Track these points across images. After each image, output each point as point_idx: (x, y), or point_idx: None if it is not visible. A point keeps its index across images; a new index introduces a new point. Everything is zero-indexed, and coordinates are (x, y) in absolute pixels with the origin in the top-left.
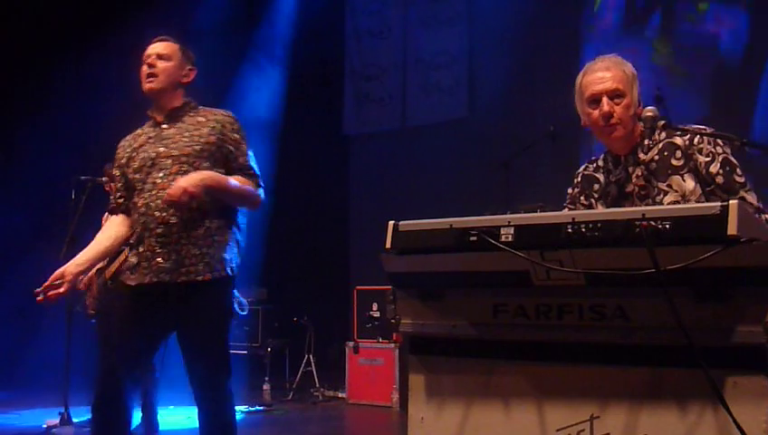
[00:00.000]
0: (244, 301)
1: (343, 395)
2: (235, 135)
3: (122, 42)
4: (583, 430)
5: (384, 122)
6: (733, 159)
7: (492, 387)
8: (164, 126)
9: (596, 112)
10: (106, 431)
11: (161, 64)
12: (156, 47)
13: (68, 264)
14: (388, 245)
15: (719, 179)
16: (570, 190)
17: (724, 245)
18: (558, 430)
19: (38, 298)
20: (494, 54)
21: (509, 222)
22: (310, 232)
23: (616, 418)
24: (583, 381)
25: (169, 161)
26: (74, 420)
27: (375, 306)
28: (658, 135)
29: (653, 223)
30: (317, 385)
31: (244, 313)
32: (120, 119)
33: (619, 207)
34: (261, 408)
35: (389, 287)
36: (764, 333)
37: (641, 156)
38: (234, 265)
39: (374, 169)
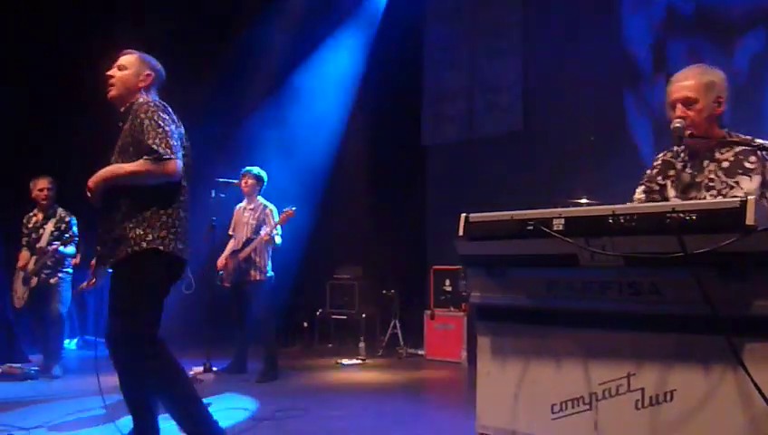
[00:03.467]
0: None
1: (422, 352)
2: (137, 121)
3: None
4: (621, 385)
5: (454, 135)
6: None
7: (545, 348)
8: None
9: (674, 114)
10: None
11: (118, 75)
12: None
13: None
14: (460, 232)
15: None
16: (648, 171)
17: (742, 233)
18: (600, 384)
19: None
20: (544, 77)
21: (560, 214)
22: (396, 222)
23: (649, 375)
24: (621, 344)
25: (113, 157)
26: (214, 368)
27: (447, 282)
28: (737, 139)
29: (681, 215)
30: (401, 344)
31: (189, 291)
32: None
33: (688, 192)
34: (357, 361)
35: (460, 267)
36: None
37: (717, 154)
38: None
39: (446, 172)
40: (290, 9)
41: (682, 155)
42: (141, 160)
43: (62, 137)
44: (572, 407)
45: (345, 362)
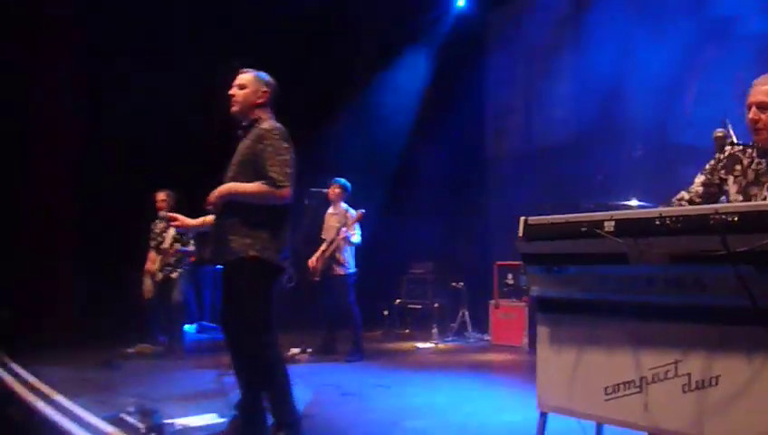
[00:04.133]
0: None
1: (488, 338)
2: (260, 146)
3: None
4: (669, 370)
5: (513, 147)
6: None
7: (598, 337)
8: (241, 139)
9: (748, 116)
10: None
11: (239, 93)
12: (237, 79)
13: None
14: (520, 234)
15: None
16: (712, 162)
17: None
18: (649, 369)
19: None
20: (593, 95)
21: (611, 217)
22: (463, 223)
23: (695, 362)
24: (668, 334)
25: (230, 171)
26: (308, 350)
27: (510, 276)
28: None
29: (724, 216)
30: (470, 330)
31: (291, 284)
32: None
33: (750, 189)
34: (431, 345)
35: (521, 263)
36: None
37: None
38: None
39: (507, 179)
40: (368, 37)
41: (750, 151)
42: (259, 183)
43: (185, 152)
44: (624, 389)
45: (420, 345)
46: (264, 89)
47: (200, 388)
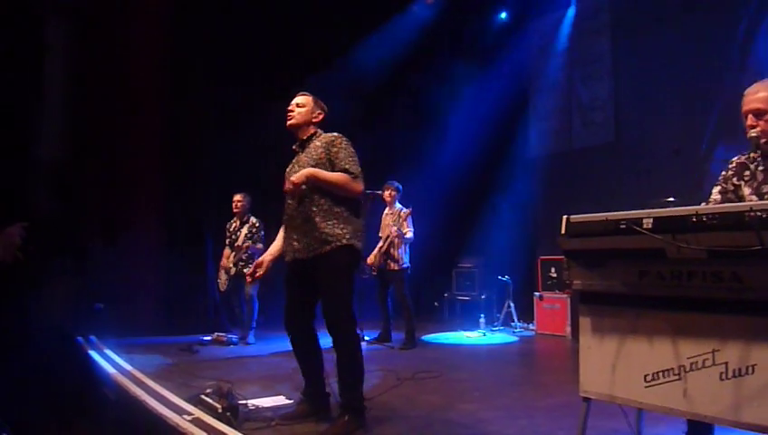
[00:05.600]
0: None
1: (533, 327)
2: (334, 149)
3: None
4: (707, 359)
5: (556, 147)
6: None
7: (638, 328)
8: (299, 152)
9: (746, 124)
10: None
11: (297, 110)
12: (296, 99)
13: (264, 255)
14: (563, 231)
15: None
16: (723, 173)
17: None
18: (688, 358)
19: (248, 279)
20: (632, 97)
21: (649, 214)
22: (509, 220)
23: (732, 351)
24: (706, 325)
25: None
26: (366, 338)
27: (553, 270)
28: None
29: (759, 213)
30: (515, 320)
31: (366, 276)
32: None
33: (762, 189)
34: (479, 334)
35: (563, 258)
36: None
37: None
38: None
39: (550, 178)
40: (425, 50)
41: (755, 156)
42: (340, 174)
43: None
44: (663, 377)
45: (469, 334)
46: (320, 111)
47: (269, 372)
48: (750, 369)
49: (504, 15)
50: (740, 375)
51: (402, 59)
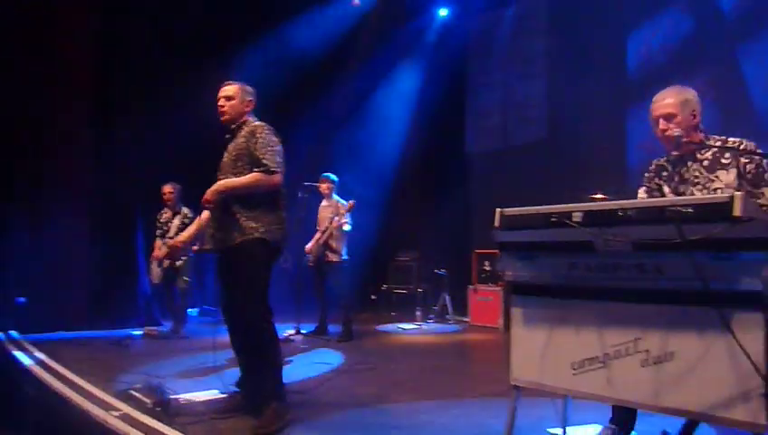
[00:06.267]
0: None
1: (467, 320)
2: (254, 139)
3: None
4: (630, 347)
5: (492, 144)
6: (765, 165)
7: (567, 318)
8: (229, 142)
9: (658, 128)
10: None
11: (228, 104)
12: (222, 92)
13: (176, 239)
14: (496, 224)
15: (749, 176)
16: (646, 174)
17: (731, 222)
18: (612, 346)
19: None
20: (565, 95)
21: (579, 208)
22: (446, 214)
23: (652, 339)
24: (630, 314)
25: (225, 165)
26: (302, 331)
27: (487, 263)
28: (714, 142)
29: (680, 208)
30: (450, 313)
31: (287, 264)
32: None
33: (679, 188)
34: (415, 326)
35: (497, 251)
36: (760, 283)
37: (698, 155)
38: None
39: (486, 173)
40: (363, 45)
41: (671, 158)
42: (253, 173)
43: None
44: (589, 365)
45: (405, 327)
46: (250, 98)
47: (202, 366)
48: (669, 355)
49: (444, 12)
50: (660, 362)
51: (339, 50)
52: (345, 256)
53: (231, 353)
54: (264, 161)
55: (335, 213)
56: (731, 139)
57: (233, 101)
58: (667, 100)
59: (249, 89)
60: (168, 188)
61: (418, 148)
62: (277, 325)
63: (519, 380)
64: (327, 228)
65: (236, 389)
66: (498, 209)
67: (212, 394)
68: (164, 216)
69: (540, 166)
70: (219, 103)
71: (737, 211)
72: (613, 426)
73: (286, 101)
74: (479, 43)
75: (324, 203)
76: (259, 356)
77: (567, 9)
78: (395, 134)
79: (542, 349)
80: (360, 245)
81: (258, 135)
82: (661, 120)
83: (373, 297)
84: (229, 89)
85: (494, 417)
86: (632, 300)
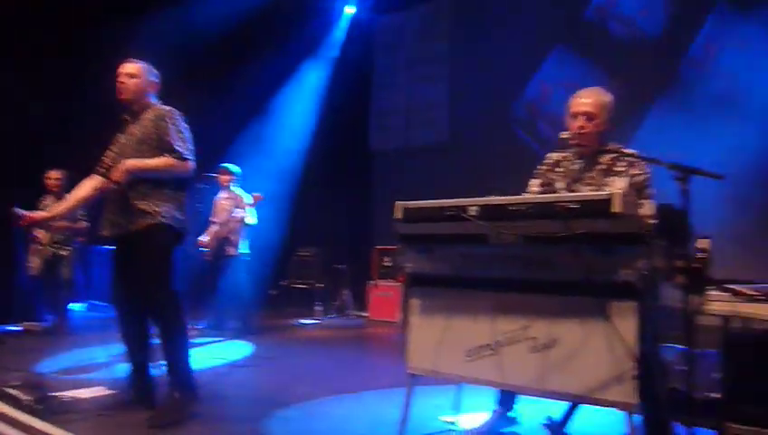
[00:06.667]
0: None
1: (367, 314)
2: (163, 124)
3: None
4: (519, 333)
5: (394, 143)
6: (650, 177)
7: (462, 306)
8: (130, 122)
9: (574, 124)
10: None
11: (129, 81)
12: (124, 68)
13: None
14: (398, 217)
15: (637, 187)
16: (540, 167)
17: (611, 218)
18: (503, 333)
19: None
20: (464, 100)
21: (474, 203)
22: (348, 210)
23: (540, 326)
24: (520, 303)
25: (126, 148)
26: (199, 326)
27: (387, 259)
28: (613, 148)
29: (567, 204)
30: (350, 308)
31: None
32: None
33: (572, 186)
34: (315, 321)
35: (397, 247)
36: (635, 274)
37: (598, 159)
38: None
39: (388, 171)
40: (269, 41)
41: (569, 155)
42: (166, 158)
43: (71, 132)
44: (481, 352)
45: (305, 322)
46: (154, 79)
47: (88, 363)
48: (554, 342)
49: (350, 10)
50: (546, 348)
51: (244, 42)
52: (244, 250)
53: (119, 349)
54: (177, 147)
55: (235, 205)
56: (628, 150)
57: (136, 80)
58: (591, 99)
59: (154, 71)
60: (54, 175)
61: (323, 143)
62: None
63: (415, 368)
64: (227, 221)
65: (125, 384)
66: (400, 202)
67: (98, 391)
68: (44, 202)
69: (440, 167)
70: (120, 80)
71: (616, 208)
72: (500, 409)
73: (188, 87)
74: (385, 43)
75: (223, 195)
76: (172, 346)
77: (470, 15)
78: (300, 129)
79: (437, 338)
80: (260, 239)
81: (168, 120)
82: (580, 118)
83: (273, 292)
84: (132, 66)
85: (391, 407)
86: (522, 290)
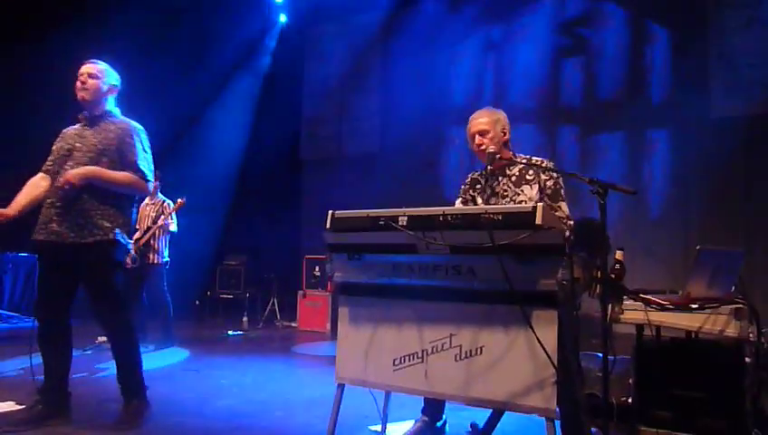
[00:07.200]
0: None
1: (295, 325)
2: (129, 140)
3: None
4: (445, 342)
5: (325, 152)
6: (562, 183)
7: (390, 315)
8: (86, 127)
9: (474, 144)
10: None
11: (90, 82)
12: (87, 68)
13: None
14: (327, 226)
15: (548, 191)
16: (462, 187)
17: (533, 230)
18: (430, 342)
19: None
20: (396, 110)
21: (404, 213)
22: (277, 219)
23: (465, 335)
24: (446, 312)
25: (80, 154)
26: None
27: (317, 268)
28: (521, 159)
29: (492, 215)
30: (278, 318)
31: (135, 265)
32: None
33: (490, 199)
34: (241, 332)
35: (327, 256)
36: (555, 285)
37: (507, 171)
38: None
39: (319, 180)
40: (199, 49)
41: (484, 172)
42: (127, 173)
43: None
44: (409, 360)
45: (231, 332)
46: (114, 82)
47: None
48: (479, 350)
49: (283, 18)
50: (471, 356)
51: (172, 49)
52: (166, 258)
53: (29, 362)
54: (141, 167)
55: (158, 212)
56: (534, 157)
57: (97, 81)
58: (482, 118)
59: (116, 74)
60: None
61: (254, 152)
62: (89, 332)
63: (344, 377)
64: (150, 228)
65: (39, 397)
66: (330, 211)
67: (7, 406)
68: None
69: (370, 177)
70: (81, 79)
71: (539, 220)
72: (425, 418)
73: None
74: (317, 52)
75: (147, 201)
76: (129, 356)
77: (401, 29)
78: (230, 138)
79: (366, 347)
80: (184, 247)
81: (135, 138)
82: (477, 136)
83: (197, 302)
84: (95, 67)
85: (318, 417)
86: (449, 299)
